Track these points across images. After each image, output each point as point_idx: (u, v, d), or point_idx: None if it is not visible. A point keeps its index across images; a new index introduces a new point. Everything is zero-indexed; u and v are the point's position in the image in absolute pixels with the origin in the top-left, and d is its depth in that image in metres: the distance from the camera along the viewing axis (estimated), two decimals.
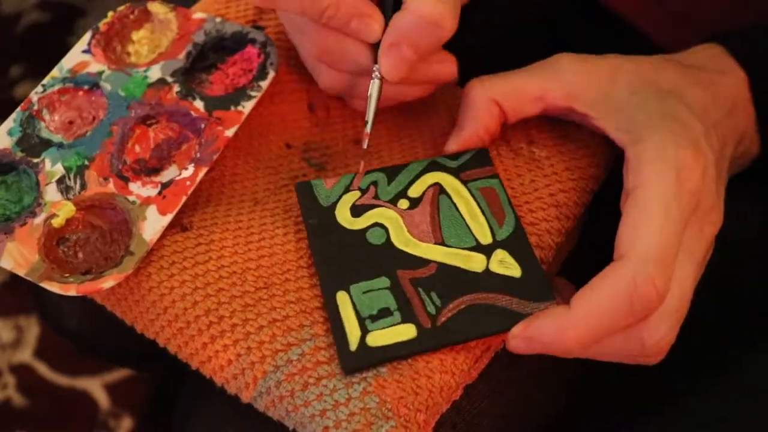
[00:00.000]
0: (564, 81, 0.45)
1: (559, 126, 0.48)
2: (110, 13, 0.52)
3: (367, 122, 0.45)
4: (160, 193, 0.44)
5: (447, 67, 0.47)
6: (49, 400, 0.51)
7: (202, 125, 0.46)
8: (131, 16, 0.52)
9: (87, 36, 0.51)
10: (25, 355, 0.52)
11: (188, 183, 0.44)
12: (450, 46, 0.56)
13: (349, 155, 0.51)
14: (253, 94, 0.48)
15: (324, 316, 0.41)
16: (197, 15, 0.51)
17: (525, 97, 0.46)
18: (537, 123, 0.49)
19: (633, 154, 0.41)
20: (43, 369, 0.52)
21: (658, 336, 0.38)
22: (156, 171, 0.46)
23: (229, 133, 0.46)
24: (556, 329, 0.38)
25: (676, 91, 0.43)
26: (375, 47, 0.44)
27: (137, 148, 0.47)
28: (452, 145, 0.47)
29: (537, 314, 0.39)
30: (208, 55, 0.50)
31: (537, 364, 0.45)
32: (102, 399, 0.51)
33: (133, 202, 0.43)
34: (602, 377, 0.48)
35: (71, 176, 0.45)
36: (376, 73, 0.44)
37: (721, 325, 0.50)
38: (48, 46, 0.63)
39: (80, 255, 0.43)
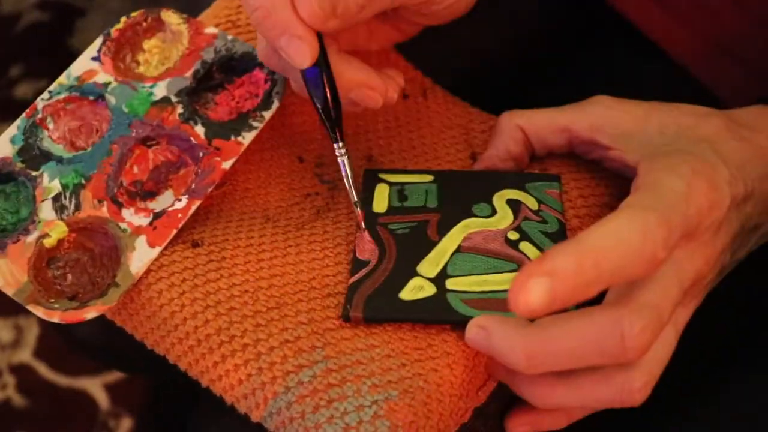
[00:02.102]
0: (592, 115, 0.45)
1: (574, 155, 0.48)
2: (123, 19, 0.51)
3: (355, 204, 0.44)
4: (151, 223, 0.44)
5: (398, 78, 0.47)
6: (49, 400, 0.53)
7: (201, 154, 0.46)
8: (144, 24, 0.51)
9: (97, 42, 0.51)
10: (24, 355, 0.53)
11: (180, 216, 0.44)
12: (462, 52, 0.54)
13: (360, 172, 0.50)
14: (255, 124, 0.47)
15: (336, 338, 0.40)
16: (209, 30, 0.50)
17: (550, 126, 0.46)
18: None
19: (643, 167, 0.40)
20: (43, 369, 0.53)
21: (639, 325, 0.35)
22: (152, 195, 0.46)
23: (226, 165, 0.45)
24: (511, 338, 0.36)
25: (711, 140, 0.42)
26: (329, 122, 0.43)
27: (135, 169, 0.47)
28: (477, 166, 0.48)
29: (501, 318, 0.37)
30: (216, 74, 0.49)
31: None
32: (102, 399, 0.53)
33: (124, 230, 0.44)
34: None
35: (67, 195, 0.45)
36: (340, 151, 0.43)
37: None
38: (48, 46, 0.63)
39: (69, 277, 0.44)
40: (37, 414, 0.52)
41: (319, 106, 0.42)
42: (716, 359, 0.48)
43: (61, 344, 0.54)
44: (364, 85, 0.44)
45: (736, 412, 0.46)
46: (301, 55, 0.40)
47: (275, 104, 0.48)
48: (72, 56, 0.51)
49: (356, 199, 0.43)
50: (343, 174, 0.43)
